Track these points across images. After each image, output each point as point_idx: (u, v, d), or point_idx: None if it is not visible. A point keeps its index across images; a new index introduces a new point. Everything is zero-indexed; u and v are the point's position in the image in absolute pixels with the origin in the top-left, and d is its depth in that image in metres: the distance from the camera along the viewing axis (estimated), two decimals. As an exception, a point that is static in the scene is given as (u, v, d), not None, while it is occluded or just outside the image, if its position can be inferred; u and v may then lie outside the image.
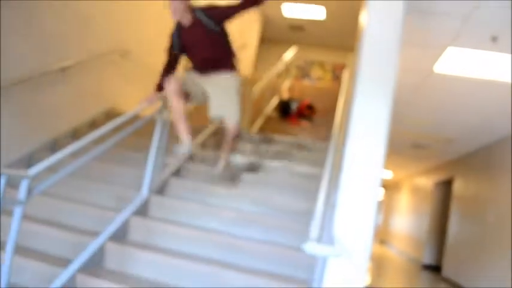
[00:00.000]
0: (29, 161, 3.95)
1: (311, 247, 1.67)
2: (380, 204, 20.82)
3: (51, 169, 2.77)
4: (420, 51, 4.21)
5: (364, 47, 2.26)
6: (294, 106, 6.80)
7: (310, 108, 6.83)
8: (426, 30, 3.79)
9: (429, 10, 3.43)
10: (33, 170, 2.39)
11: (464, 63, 4.26)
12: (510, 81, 4.44)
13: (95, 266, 2.82)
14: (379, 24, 2.26)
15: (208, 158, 4.29)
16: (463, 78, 4.63)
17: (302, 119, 6.78)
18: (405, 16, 2.31)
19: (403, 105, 5.92)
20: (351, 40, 6.43)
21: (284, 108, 6.92)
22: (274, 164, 4.18)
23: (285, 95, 7.34)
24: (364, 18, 2.61)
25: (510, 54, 3.92)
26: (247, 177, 3.90)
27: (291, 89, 7.54)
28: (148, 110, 3.74)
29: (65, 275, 2.59)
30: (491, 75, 4.40)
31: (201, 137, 4.57)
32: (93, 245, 2.84)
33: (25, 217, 3.03)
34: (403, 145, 8.73)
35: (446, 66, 4.41)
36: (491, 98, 5.09)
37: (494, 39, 3.71)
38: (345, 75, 5.51)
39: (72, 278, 2.62)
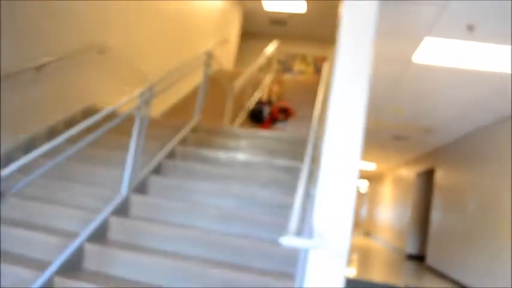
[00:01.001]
0: (3, 161, 3.86)
1: (288, 240, 1.65)
2: (364, 196, 21.00)
3: (28, 169, 2.72)
4: (398, 42, 4.22)
5: (341, 37, 2.24)
6: (266, 112, 6.56)
7: (285, 111, 6.58)
8: (403, 20, 3.80)
9: None
10: (6, 171, 2.33)
11: (442, 53, 4.28)
12: (488, 70, 4.49)
13: (73, 267, 2.76)
14: (354, 13, 2.25)
15: (189, 155, 4.25)
16: (441, 68, 4.66)
17: (276, 122, 6.60)
18: (381, 5, 2.29)
19: (383, 96, 5.94)
20: (332, 32, 6.44)
21: (256, 116, 6.65)
22: (257, 158, 4.16)
23: (265, 96, 7.15)
24: (341, 7, 2.60)
25: (486, 43, 3.95)
26: (227, 171, 3.86)
27: (271, 89, 7.37)
28: (126, 107, 3.68)
29: (42, 278, 2.53)
30: (469, 64, 4.44)
31: (181, 134, 4.52)
32: (71, 247, 2.78)
33: (1, 220, 2.97)
34: (386, 137, 8.80)
35: (424, 56, 4.43)
36: (470, 88, 5.14)
37: (470, 28, 3.73)
38: (325, 68, 5.50)
39: (50, 281, 2.56)
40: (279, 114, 6.53)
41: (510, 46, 3.92)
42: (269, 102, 6.81)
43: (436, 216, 8.84)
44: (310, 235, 2.07)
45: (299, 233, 1.84)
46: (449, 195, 8.18)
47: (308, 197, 2.36)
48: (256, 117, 6.59)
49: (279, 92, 7.21)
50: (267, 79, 8.78)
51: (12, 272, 2.63)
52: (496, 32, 3.74)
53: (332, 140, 2.12)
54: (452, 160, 8.28)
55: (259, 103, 6.74)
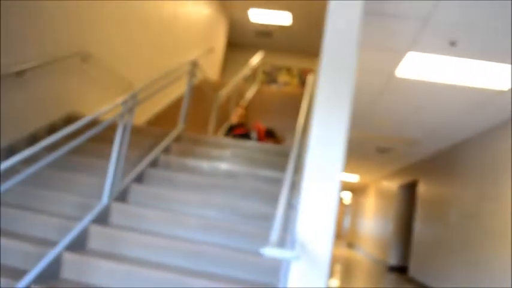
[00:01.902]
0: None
1: (270, 251, 1.65)
2: (347, 207, 21.08)
3: (6, 176, 2.67)
4: (382, 56, 4.28)
5: (324, 49, 2.27)
6: (254, 136, 6.38)
7: (271, 134, 6.26)
8: (387, 35, 3.85)
9: (388, 13, 3.49)
10: (-17, 178, 2.28)
11: (424, 67, 4.35)
12: (470, 85, 4.57)
13: (51, 277, 2.71)
14: (338, 26, 2.28)
15: (172, 164, 4.22)
16: (424, 83, 4.73)
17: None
18: (365, 18, 2.33)
19: (366, 109, 6.01)
20: (317, 45, 6.48)
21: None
22: (241, 168, 4.15)
23: (234, 119, 6.68)
24: (325, 20, 2.63)
25: (468, 59, 4.02)
26: (209, 181, 3.85)
27: (241, 113, 6.86)
28: (109, 115, 3.64)
29: (19, 287, 2.48)
30: (451, 79, 4.52)
31: (165, 143, 4.49)
32: (50, 255, 2.73)
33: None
34: (369, 149, 8.87)
35: (407, 70, 4.49)
36: (452, 102, 5.22)
37: (452, 43, 3.80)
38: (310, 80, 5.54)
39: (26, 290, 2.51)
40: (266, 137, 6.22)
41: (491, 62, 4.00)
42: (242, 125, 6.51)
43: (418, 228, 8.91)
44: (292, 246, 2.06)
45: (281, 243, 1.83)
46: (432, 207, 8.26)
47: (291, 207, 2.37)
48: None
49: (244, 114, 6.87)
50: (252, 90, 8.81)
51: (-12, 281, 2.57)
52: (477, 48, 3.82)
53: (315, 151, 2.13)
54: (434, 172, 8.38)
55: (233, 127, 6.45)
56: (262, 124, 6.26)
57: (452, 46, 3.87)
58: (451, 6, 3.24)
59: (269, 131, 6.23)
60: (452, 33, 3.66)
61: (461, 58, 4.05)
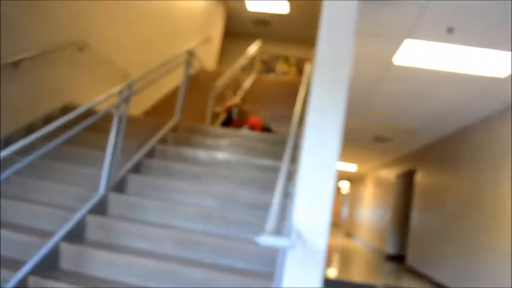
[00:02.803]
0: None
1: (265, 240, 1.64)
2: (345, 197, 21.15)
3: (3, 167, 2.66)
4: (379, 43, 4.26)
5: (320, 37, 2.25)
6: (235, 113, 6.23)
7: (267, 130, 6.16)
8: (384, 22, 3.83)
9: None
10: (-22, 168, 2.27)
11: (422, 55, 4.33)
12: (468, 73, 4.55)
13: (49, 267, 2.71)
14: (334, 13, 2.25)
15: (168, 154, 4.21)
16: (421, 70, 4.71)
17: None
18: (360, 5, 2.30)
19: (364, 98, 5.99)
20: (315, 34, 6.44)
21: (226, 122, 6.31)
22: (237, 157, 4.14)
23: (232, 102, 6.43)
24: (322, 8, 2.60)
25: (466, 46, 4.00)
26: (206, 171, 3.84)
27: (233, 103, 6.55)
28: (104, 104, 3.62)
29: (16, 278, 2.48)
30: (449, 66, 4.50)
31: (162, 132, 4.48)
32: (47, 246, 2.73)
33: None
34: (367, 138, 8.86)
35: (404, 58, 4.47)
36: (450, 89, 5.21)
37: (450, 30, 3.78)
38: (307, 68, 5.51)
39: (24, 281, 2.51)
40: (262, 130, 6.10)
41: (489, 49, 3.98)
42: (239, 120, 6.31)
43: (416, 216, 8.94)
44: (289, 234, 2.06)
45: (278, 232, 1.83)
46: (429, 196, 8.28)
47: (287, 196, 2.36)
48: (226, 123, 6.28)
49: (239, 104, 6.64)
50: (250, 79, 8.78)
51: (-15, 272, 2.57)
52: (475, 35, 3.79)
53: (311, 139, 2.12)
54: (432, 161, 8.39)
55: (228, 120, 6.32)
56: (259, 118, 6.21)
57: (449, 33, 3.84)
58: (448, -7, 3.22)
59: (265, 127, 6.18)
60: (450, 20, 3.64)
61: (459, 45, 4.03)
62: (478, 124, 6.31)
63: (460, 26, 3.69)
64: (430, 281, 7.27)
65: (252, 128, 5.93)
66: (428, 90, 5.35)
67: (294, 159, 2.73)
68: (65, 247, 2.81)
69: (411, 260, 8.75)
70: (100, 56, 5.41)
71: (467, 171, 6.54)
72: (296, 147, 2.77)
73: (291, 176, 2.58)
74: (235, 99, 6.43)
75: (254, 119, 6.08)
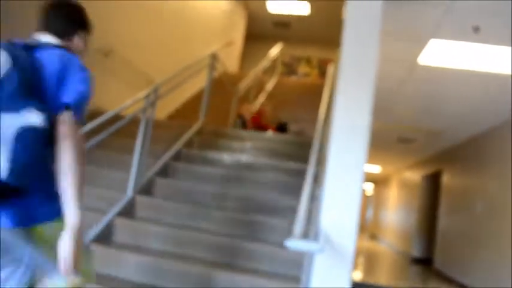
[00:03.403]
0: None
1: (294, 243, 1.64)
2: (369, 199, 20.93)
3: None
4: (404, 44, 4.21)
5: (345, 39, 2.24)
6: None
7: (282, 129, 6.15)
8: (408, 22, 3.78)
9: (411, 0, 3.42)
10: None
11: (448, 54, 4.26)
12: (494, 72, 4.46)
13: (79, 269, 2.76)
14: (358, 14, 2.24)
15: (194, 157, 4.25)
16: (447, 70, 4.63)
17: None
18: (386, 5, 2.29)
19: (388, 98, 5.92)
20: (337, 35, 6.40)
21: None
22: (262, 160, 4.15)
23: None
24: (345, 9, 2.59)
25: (492, 45, 3.93)
26: (231, 173, 3.86)
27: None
28: (131, 109, 3.68)
29: (48, 279, 2.54)
30: (475, 66, 4.41)
31: (187, 136, 4.52)
32: (77, 248, 2.78)
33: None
34: (391, 139, 8.75)
35: (430, 58, 4.40)
36: (477, 89, 5.11)
37: (476, 29, 3.71)
38: (330, 70, 5.49)
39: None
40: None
41: (516, 48, 3.90)
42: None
43: (443, 219, 8.78)
44: (316, 238, 2.06)
45: (305, 235, 1.83)
46: (457, 197, 8.13)
47: (314, 199, 2.36)
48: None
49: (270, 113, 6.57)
50: (272, 82, 8.78)
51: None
52: (501, 34, 3.71)
53: (338, 142, 2.11)
54: (459, 162, 8.23)
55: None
56: (272, 122, 6.17)
57: (475, 32, 3.77)
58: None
59: (281, 125, 6.12)
60: (475, 19, 3.57)
61: (485, 44, 3.95)
62: (506, 124, 6.17)
63: (486, 24, 3.62)
64: (459, 285, 7.13)
65: (263, 128, 5.92)
66: (454, 90, 5.26)
67: (320, 161, 2.72)
68: (95, 249, 2.86)
69: (439, 263, 8.59)
70: (125, 61, 5.50)
71: (496, 172, 6.39)
72: (321, 150, 2.76)
73: (316, 179, 2.58)
74: (248, 108, 6.32)
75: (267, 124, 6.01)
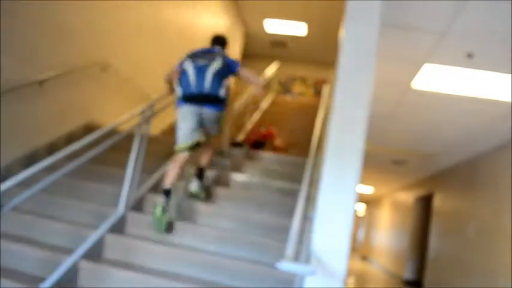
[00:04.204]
0: (4, 175, 3.85)
1: (285, 265, 1.64)
2: (361, 219, 20.89)
3: (26, 184, 2.71)
4: (398, 68, 4.27)
5: (341, 61, 2.27)
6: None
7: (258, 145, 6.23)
8: (403, 47, 3.84)
9: (406, 26, 3.48)
10: (4, 185, 2.32)
11: (441, 79, 4.32)
12: (488, 98, 4.52)
13: (68, 285, 2.74)
14: (354, 37, 2.28)
15: (187, 174, 4.24)
16: (441, 95, 4.69)
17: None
18: (381, 30, 2.33)
19: (382, 121, 5.97)
20: (333, 56, 6.48)
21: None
22: (256, 179, 4.15)
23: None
24: (342, 32, 2.64)
25: (486, 71, 3.99)
26: (224, 192, 3.86)
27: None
28: (126, 125, 3.69)
29: (36, 295, 2.51)
30: (468, 91, 4.47)
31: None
32: (67, 263, 2.76)
33: (-4, 234, 2.95)
34: (384, 161, 8.80)
35: (423, 82, 4.46)
36: (470, 114, 5.16)
37: (470, 55, 3.77)
38: (325, 91, 5.54)
39: (43, 298, 2.54)
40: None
41: (510, 74, 3.96)
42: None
43: (434, 241, 8.78)
44: (307, 259, 2.06)
45: (297, 256, 1.83)
46: (448, 220, 8.15)
47: (305, 220, 2.36)
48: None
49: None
50: (267, 100, 8.83)
51: (6, 286, 2.60)
52: (495, 60, 3.78)
53: (332, 163, 2.13)
54: (451, 186, 8.27)
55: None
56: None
57: (469, 58, 3.84)
58: (469, 19, 3.23)
59: (257, 142, 6.19)
60: (470, 45, 3.64)
61: (478, 70, 4.02)
62: (498, 149, 6.22)
63: (480, 51, 3.69)
64: (448, 308, 7.10)
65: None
66: (447, 114, 5.32)
67: (313, 182, 2.73)
68: (84, 265, 2.84)
69: (428, 285, 8.56)
70: (121, 75, 5.52)
71: (488, 196, 6.42)
72: (315, 170, 2.78)
73: (308, 199, 2.59)
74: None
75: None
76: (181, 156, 3.41)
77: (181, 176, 3.74)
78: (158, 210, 3.16)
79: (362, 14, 2.34)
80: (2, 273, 2.70)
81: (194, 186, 3.71)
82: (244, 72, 3.68)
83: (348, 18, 2.35)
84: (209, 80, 3.39)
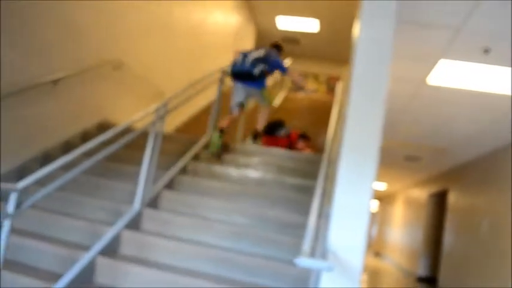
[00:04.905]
0: (20, 173, 3.90)
1: (303, 261, 1.64)
2: (375, 216, 20.80)
3: (42, 182, 2.74)
4: (413, 64, 4.23)
5: (356, 58, 2.26)
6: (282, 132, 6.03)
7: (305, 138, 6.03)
8: (419, 42, 3.81)
9: (421, 22, 3.45)
10: (22, 183, 2.36)
11: (457, 75, 4.27)
12: (503, 93, 4.46)
13: (85, 281, 2.77)
14: (370, 35, 2.27)
15: (201, 171, 4.26)
16: (456, 90, 4.64)
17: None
18: (397, 27, 2.31)
19: (397, 117, 5.93)
20: (345, 52, 6.45)
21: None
22: (269, 176, 4.16)
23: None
24: (357, 29, 2.62)
25: (502, 66, 3.94)
26: (238, 188, 3.87)
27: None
28: (140, 123, 3.71)
29: (55, 291, 2.54)
30: (484, 87, 4.42)
31: (194, 150, 4.54)
32: (84, 260, 2.79)
33: (15, 231, 2.99)
34: (397, 157, 8.74)
35: (439, 78, 4.42)
36: (485, 110, 5.11)
37: (486, 51, 3.73)
38: (339, 87, 5.51)
39: (62, 294, 2.57)
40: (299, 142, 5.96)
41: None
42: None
43: (448, 238, 8.71)
44: (323, 255, 2.06)
45: (313, 252, 1.83)
46: (463, 217, 8.07)
47: (321, 216, 2.36)
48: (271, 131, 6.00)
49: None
50: (280, 97, 8.81)
51: (24, 283, 2.64)
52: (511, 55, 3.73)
53: (348, 160, 2.12)
54: (466, 182, 8.19)
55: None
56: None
57: (485, 53, 3.79)
58: (485, 14, 3.19)
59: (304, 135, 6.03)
60: (486, 40, 3.59)
61: (494, 66, 3.97)
62: (514, 145, 6.15)
63: (496, 46, 3.64)
64: (463, 305, 7.04)
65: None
66: (462, 110, 5.26)
67: (328, 178, 2.72)
68: (101, 261, 2.87)
69: (442, 282, 8.50)
70: (134, 74, 5.56)
71: (503, 193, 6.35)
72: (330, 166, 2.77)
73: (324, 196, 2.58)
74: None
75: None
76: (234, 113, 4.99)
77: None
78: (216, 135, 4.52)
79: (378, 11, 2.32)
80: (19, 270, 2.74)
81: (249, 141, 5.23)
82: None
83: (363, 16, 2.34)
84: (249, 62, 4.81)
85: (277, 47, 5.49)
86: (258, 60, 4.77)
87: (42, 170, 2.58)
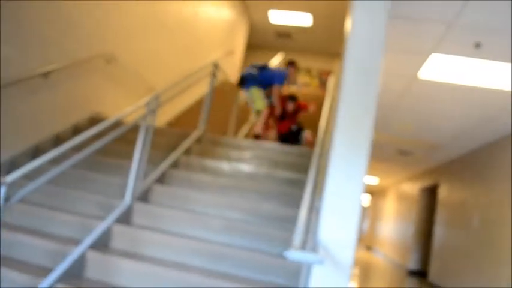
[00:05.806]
0: (9, 167, 3.87)
1: (293, 254, 1.65)
2: (366, 210, 20.91)
3: (32, 176, 2.72)
4: (405, 58, 4.24)
5: (348, 53, 2.25)
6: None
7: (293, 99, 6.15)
8: (410, 37, 3.82)
9: (413, 16, 3.46)
10: (11, 177, 2.33)
11: (448, 69, 4.29)
12: (494, 88, 4.49)
13: (75, 275, 2.76)
14: (362, 29, 2.26)
15: (193, 165, 4.25)
16: (447, 85, 4.67)
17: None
18: (389, 22, 2.31)
19: (388, 111, 5.95)
20: (337, 46, 6.45)
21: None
22: (261, 170, 4.16)
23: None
24: (349, 24, 2.62)
25: (493, 61, 3.95)
26: (230, 182, 3.86)
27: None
28: (131, 116, 3.69)
29: (43, 285, 2.52)
30: (475, 81, 4.45)
31: (186, 144, 4.52)
32: (74, 254, 2.78)
33: (4, 225, 2.97)
34: (389, 152, 8.78)
35: (430, 72, 4.44)
36: (476, 105, 5.14)
37: (477, 45, 3.74)
38: (331, 81, 5.51)
39: (51, 288, 2.55)
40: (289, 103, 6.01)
41: (515, 64, 3.93)
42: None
43: (439, 232, 8.78)
44: (314, 248, 2.06)
45: (303, 246, 1.83)
46: (453, 211, 8.14)
47: (312, 209, 2.36)
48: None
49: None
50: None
51: (13, 278, 2.63)
52: (503, 50, 3.75)
53: (339, 153, 2.12)
54: (456, 176, 8.25)
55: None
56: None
57: (477, 48, 3.81)
58: (476, 9, 3.20)
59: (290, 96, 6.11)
60: (477, 35, 3.61)
61: (485, 60, 3.99)
62: (504, 140, 6.19)
63: (488, 41, 3.65)
64: (453, 298, 7.11)
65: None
66: (454, 104, 5.29)
67: (319, 172, 2.73)
68: (92, 255, 2.85)
69: (433, 276, 8.58)
70: (126, 68, 5.52)
71: (493, 188, 6.41)
72: (321, 160, 2.77)
73: (315, 189, 2.58)
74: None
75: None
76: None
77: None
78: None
79: (370, 5, 2.32)
80: (9, 264, 2.72)
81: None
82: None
83: (355, 10, 2.33)
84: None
85: (290, 63, 6.12)
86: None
87: (32, 163, 2.55)
